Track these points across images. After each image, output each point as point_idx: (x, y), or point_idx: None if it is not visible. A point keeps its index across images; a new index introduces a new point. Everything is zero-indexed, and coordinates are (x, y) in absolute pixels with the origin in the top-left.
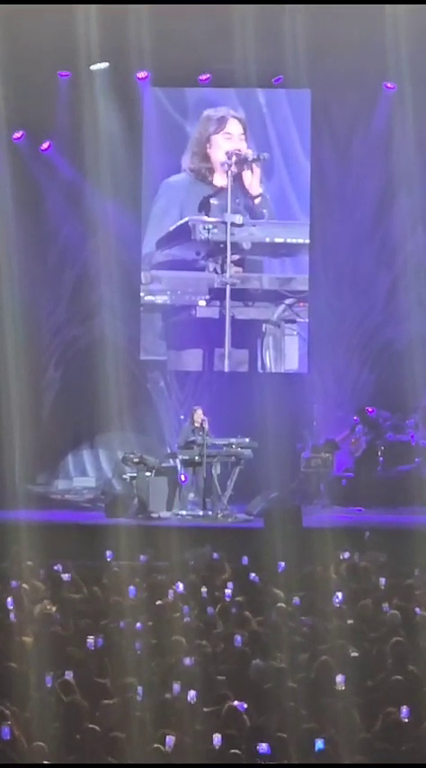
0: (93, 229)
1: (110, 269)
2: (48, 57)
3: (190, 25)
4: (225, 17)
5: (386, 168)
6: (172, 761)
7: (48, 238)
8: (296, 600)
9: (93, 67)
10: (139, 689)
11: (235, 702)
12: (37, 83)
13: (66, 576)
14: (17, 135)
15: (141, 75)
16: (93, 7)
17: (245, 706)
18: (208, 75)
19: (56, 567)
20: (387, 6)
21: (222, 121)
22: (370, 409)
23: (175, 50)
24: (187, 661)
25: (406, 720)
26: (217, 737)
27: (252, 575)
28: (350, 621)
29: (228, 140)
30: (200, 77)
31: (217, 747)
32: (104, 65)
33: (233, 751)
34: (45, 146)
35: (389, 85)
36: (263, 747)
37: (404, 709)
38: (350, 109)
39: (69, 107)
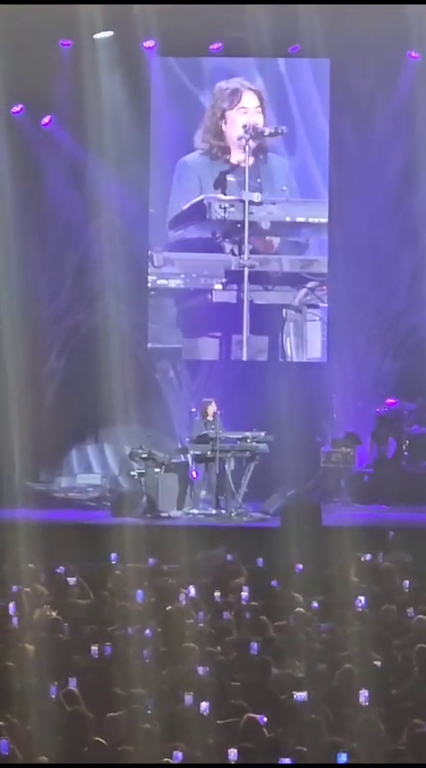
0: (97, 209)
1: (114, 251)
2: (48, 25)
3: None
4: None
5: (410, 142)
6: None
7: (49, 218)
8: (314, 604)
9: (96, 36)
10: (148, 700)
11: (253, 714)
12: (37, 53)
13: (71, 580)
14: (16, 109)
15: (148, 44)
16: None
17: (265, 719)
18: (220, 45)
19: (58, 570)
20: None
21: (236, 94)
22: (392, 401)
23: (184, 18)
24: (200, 670)
25: None
26: (233, 752)
27: (269, 578)
28: (373, 627)
29: (244, 114)
30: (211, 46)
31: (232, 762)
32: (108, 33)
33: (247, 764)
34: (46, 120)
35: (414, 55)
36: (284, 761)
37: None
38: (372, 79)
39: (71, 79)
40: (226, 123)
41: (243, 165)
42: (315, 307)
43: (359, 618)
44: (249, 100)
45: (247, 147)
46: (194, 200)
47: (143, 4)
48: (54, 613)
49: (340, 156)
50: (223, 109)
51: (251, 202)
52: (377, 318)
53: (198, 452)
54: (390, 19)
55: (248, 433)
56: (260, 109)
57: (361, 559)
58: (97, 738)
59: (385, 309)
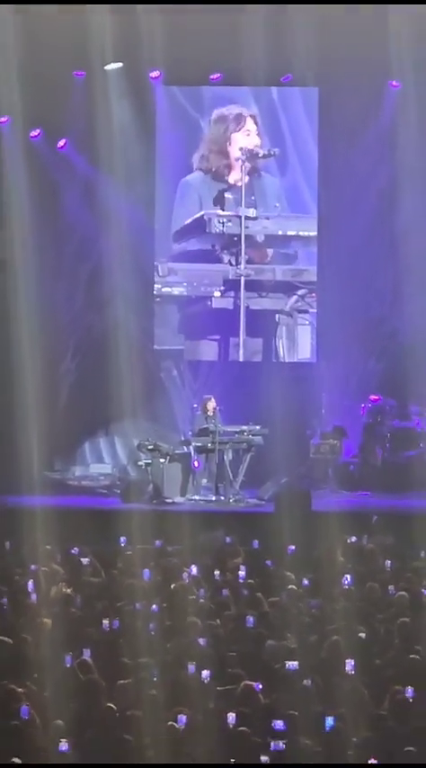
0: (108, 223)
1: (123, 262)
2: (63, 56)
3: (199, 26)
4: (233, 17)
5: (391, 163)
6: (185, 739)
7: (65, 232)
8: (305, 582)
9: (107, 67)
10: (154, 669)
11: (250, 682)
12: (53, 82)
13: (84, 560)
14: (34, 133)
15: (154, 74)
16: (107, 8)
17: (260, 686)
18: (219, 75)
19: (73, 551)
20: (390, 6)
21: (240, 119)
22: (376, 397)
23: (186, 50)
24: (201, 642)
25: (412, 700)
26: (231, 716)
27: (264, 558)
28: (358, 603)
29: (248, 137)
30: (211, 76)
31: (231, 725)
32: (118, 65)
33: (241, 728)
34: (61, 143)
35: (394, 84)
36: (277, 724)
37: (410, 689)
38: (357, 107)
39: (84, 105)
40: (231, 144)
41: (239, 183)
42: (305, 312)
43: (345, 594)
44: (247, 124)
45: (243, 168)
46: (195, 216)
47: (150, 38)
48: (69, 590)
49: (327, 175)
50: (229, 131)
51: (247, 217)
52: (362, 323)
53: (199, 444)
54: (373, 50)
55: (245, 427)
56: (257, 133)
57: (347, 541)
58: (108, 704)
59: (369, 315)
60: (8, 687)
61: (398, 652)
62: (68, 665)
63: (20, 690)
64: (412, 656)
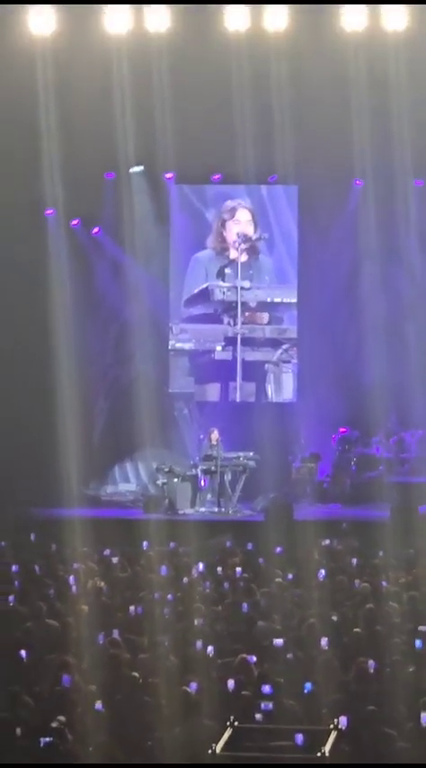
0: (132, 293)
1: (144, 323)
2: (98, 162)
3: (203, 137)
4: (230, 131)
5: (356, 246)
6: (195, 703)
7: (97, 301)
8: (289, 576)
9: (131, 170)
10: (169, 645)
11: (245, 655)
12: (89, 182)
13: (114, 559)
14: (74, 222)
15: (168, 175)
16: (131, 123)
17: (253, 658)
18: (219, 175)
19: (105, 552)
20: (354, 122)
21: (233, 211)
22: (344, 429)
23: (193, 156)
24: (206, 623)
25: (372, 669)
26: (231, 682)
27: (256, 557)
28: (330, 593)
29: (237, 225)
30: (213, 177)
31: (230, 690)
32: (140, 168)
33: (240, 692)
34: (95, 230)
35: (358, 182)
36: (266, 689)
37: (371, 661)
38: (328, 201)
39: (114, 200)
40: (225, 230)
41: (237, 261)
42: (288, 362)
43: (320, 586)
44: (243, 214)
45: (240, 248)
46: (201, 287)
47: (164, 147)
48: (102, 583)
49: (305, 255)
50: (224, 219)
51: (242, 288)
52: (333, 371)
53: (204, 467)
54: (341, 155)
55: (241, 453)
56: (251, 221)
57: (322, 544)
58: (133, 673)
59: (338, 364)
60: (55, 659)
61: (362, 632)
62: (101, 643)
63: (67, 660)
64: (366, 634)
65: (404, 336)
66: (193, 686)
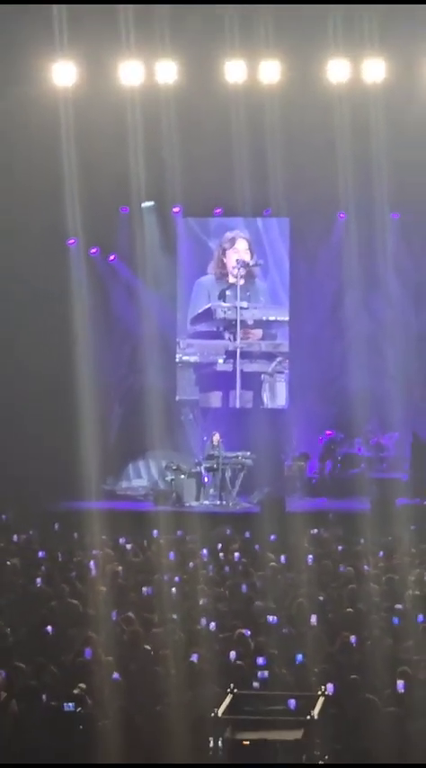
0: (144, 313)
1: (154, 339)
2: (113, 198)
3: (206, 176)
4: (230, 170)
5: (340, 272)
6: (200, 672)
7: (114, 321)
8: (282, 560)
9: (143, 205)
10: (177, 621)
11: (243, 630)
12: (107, 214)
13: (128, 546)
14: (93, 250)
15: (175, 209)
16: (143, 163)
17: (249, 633)
18: (220, 209)
19: (120, 540)
20: (339, 162)
21: (232, 240)
22: (330, 432)
23: (198, 193)
24: (209, 602)
25: (354, 643)
26: (232, 654)
27: (253, 544)
28: (318, 575)
29: (236, 253)
30: (215, 211)
31: (231, 660)
32: (151, 203)
33: (239, 662)
34: (112, 257)
35: (342, 215)
36: (261, 660)
37: (353, 636)
38: (316, 232)
39: (128, 231)
40: (225, 257)
41: (236, 284)
42: (281, 373)
43: (309, 569)
44: (241, 244)
45: (238, 273)
46: (205, 307)
47: (172, 185)
48: (118, 567)
49: (296, 279)
50: (225, 248)
51: (241, 308)
52: (320, 381)
53: (207, 465)
54: (327, 191)
55: (239, 453)
56: (248, 250)
57: (310, 532)
58: (145, 646)
59: (325, 375)
60: (77, 634)
61: (346, 610)
62: (116, 619)
63: (88, 635)
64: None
65: (383, 352)
66: (195, 657)
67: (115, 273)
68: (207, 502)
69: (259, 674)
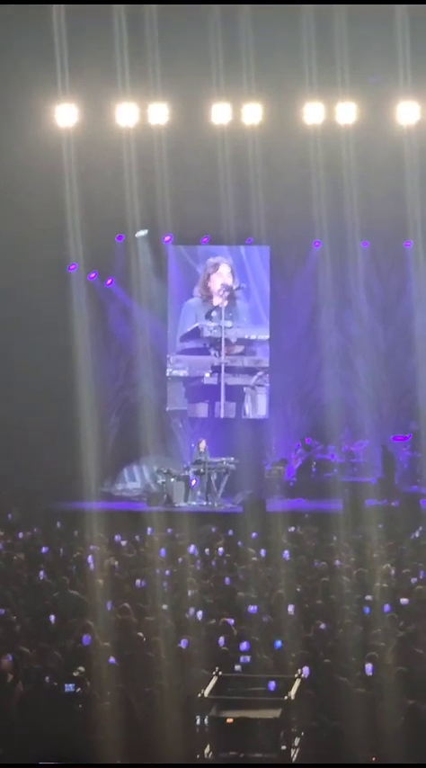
0: (138, 332)
1: (147, 355)
2: (110, 226)
3: (195, 209)
4: (216, 203)
5: (315, 295)
6: (188, 656)
7: (110, 339)
8: (263, 554)
9: (137, 234)
10: (167, 611)
11: (227, 619)
12: (104, 242)
13: (123, 543)
14: (92, 275)
15: (166, 238)
16: (137, 196)
17: (233, 621)
18: (207, 238)
19: (116, 537)
20: (314, 195)
21: (216, 266)
22: (307, 439)
23: (187, 223)
24: (196, 594)
25: (326, 630)
26: (221, 639)
27: (236, 541)
28: (295, 569)
29: (219, 277)
30: (202, 239)
31: (218, 646)
32: (144, 232)
33: (224, 648)
34: (109, 281)
35: (317, 243)
36: (244, 646)
37: (323, 624)
38: (293, 259)
39: (124, 257)
40: (210, 281)
41: (221, 305)
42: (262, 386)
43: (287, 564)
44: (224, 269)
45: (223, 296)
46: (193, 326)
47: (163, 216)
48: (114, 562)
49: (275, 302)
50: (209, 273)
51: (225, 327)
52: (297, 393)
53: (195, 470)
54: (304, 222)
55: (224, 459)
56: (231, 275)
57: (288, 530)
58: (138, 633)
59: (302, 388)
60: (77, 623)
61: (320, 600)
62: (111, 609)
63: (87, 623)
64: (322, 602)
65: (354, 366)
66: (185, 643)
67: (112, 296)
68: (194, 503)
69: (241, 658)
